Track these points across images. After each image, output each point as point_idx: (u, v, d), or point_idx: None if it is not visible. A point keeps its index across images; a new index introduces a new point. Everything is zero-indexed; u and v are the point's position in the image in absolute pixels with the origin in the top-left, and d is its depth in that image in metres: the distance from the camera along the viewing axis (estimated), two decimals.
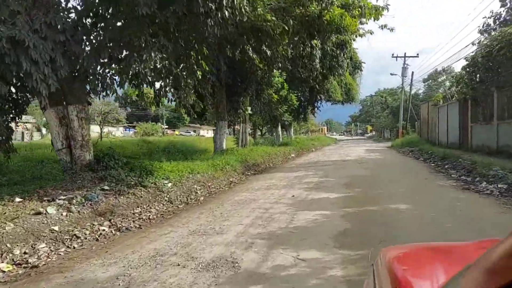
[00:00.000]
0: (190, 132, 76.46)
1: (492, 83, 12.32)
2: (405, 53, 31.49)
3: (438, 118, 21.65)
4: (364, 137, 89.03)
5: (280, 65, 15.83)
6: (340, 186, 8.65)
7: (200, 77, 9.65)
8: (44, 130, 41.54)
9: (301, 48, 10.34)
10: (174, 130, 76.83)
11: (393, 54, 31.79)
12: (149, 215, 6.19)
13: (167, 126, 79.61)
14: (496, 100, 12.53)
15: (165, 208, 6.81)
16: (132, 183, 7.29)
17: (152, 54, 5.91)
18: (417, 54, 31.11)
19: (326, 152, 24.18)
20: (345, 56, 15.01)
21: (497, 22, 17.49)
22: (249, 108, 19.58)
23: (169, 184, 7.89)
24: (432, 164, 13.44)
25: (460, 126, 17.28)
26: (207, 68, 9.36)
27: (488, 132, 13.46)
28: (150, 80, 7.15)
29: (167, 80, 7.50)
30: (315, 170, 12.60)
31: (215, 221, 5.51)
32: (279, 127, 27.78)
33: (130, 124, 73.79)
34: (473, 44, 18.60)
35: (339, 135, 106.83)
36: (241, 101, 16.89)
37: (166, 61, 6.60)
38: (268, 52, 11.20)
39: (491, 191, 7.04)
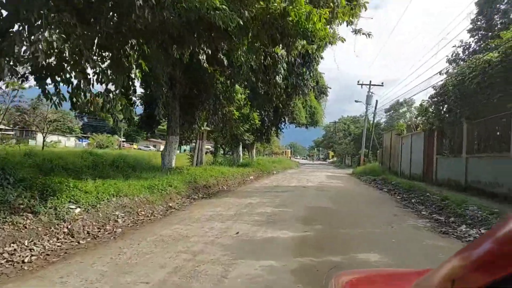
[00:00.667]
0: (149, 147, 72.94)
1: (462, 113, 11.61)
2: (370, 81, 31.58)
3: (401, 148, 21.16)
4: (326, 162, 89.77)
5: (244, 81, 14.59)
6: (297, 220, 7.17)
7: (139, 79, 8.01)
8: None
9: (263, 57, 9.01)
10: (132, 144, 73.19)
11: (358, 81, 31.75)
12: (27, 257, 4.33)
13: (124, 139, 75.88)
14: (465, 132, 11.82)
15: (59, 244, 4.96)
16: (21, 207, 5.40)
17: (46, 34, 4.21)
18: (382, 83, 31.23)
19: (287, 176, 22.93)
20: (311, 74, 13.93)
21: (466, 52, 17.37)
22: (205, 124, 18.05)
23: (77, 210, 6.03)
24: (398, 197, 12.41)
25: (424, 157, 16.66)
26: (146, 69, 7.74)
27: (455, 166, 12.70)
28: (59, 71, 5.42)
29: (82, 74, 5.76)
30: (272, 197, 11.11)
31: (111, 273, 3.77)
32: (240, 146, 26.37)
33: (84, 135, 69.76)
34: (440, 73, 18.37)
35: (302, 158, 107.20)
36: (197, 116, 15.28)
37: (69, 45, 4.89)
38: (226, 61, 9.77)
39: (475, 238, 5.84)
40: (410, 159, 19.05)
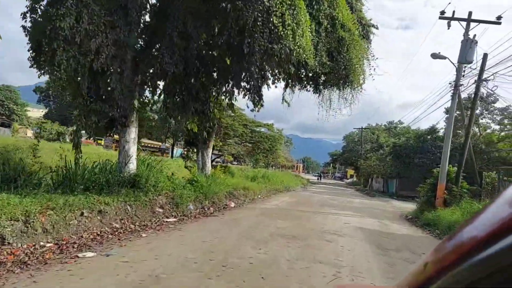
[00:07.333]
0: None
1: None
2: (470, 12, 14.01)
3: None
4: (343, 182, 70.83)
5: None
6: None
7: None
8: None
9: None
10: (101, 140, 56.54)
11: (441, 13, 14.29)
12: None
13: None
14: None
15: None
16: None
17: None
18: (500, 17, 14.47)
19: (234, 242, 5.53)
20: None
21: None
22: None
23: None
24: None
25: None
26: None
27: None
28: None
29: None
30: None
31: None
32: (130, 132, 9.02)
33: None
34: None
35: (314, 175, 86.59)
36: None
37: None
38: None
39: None
40: None
